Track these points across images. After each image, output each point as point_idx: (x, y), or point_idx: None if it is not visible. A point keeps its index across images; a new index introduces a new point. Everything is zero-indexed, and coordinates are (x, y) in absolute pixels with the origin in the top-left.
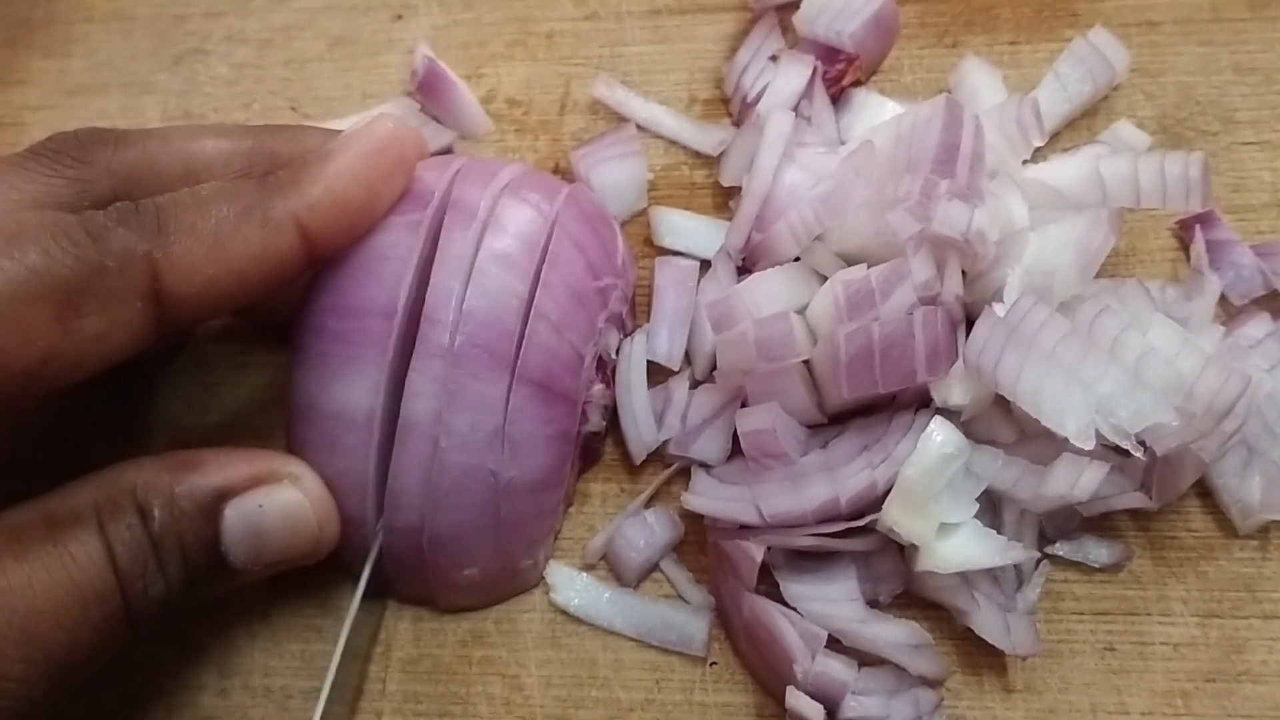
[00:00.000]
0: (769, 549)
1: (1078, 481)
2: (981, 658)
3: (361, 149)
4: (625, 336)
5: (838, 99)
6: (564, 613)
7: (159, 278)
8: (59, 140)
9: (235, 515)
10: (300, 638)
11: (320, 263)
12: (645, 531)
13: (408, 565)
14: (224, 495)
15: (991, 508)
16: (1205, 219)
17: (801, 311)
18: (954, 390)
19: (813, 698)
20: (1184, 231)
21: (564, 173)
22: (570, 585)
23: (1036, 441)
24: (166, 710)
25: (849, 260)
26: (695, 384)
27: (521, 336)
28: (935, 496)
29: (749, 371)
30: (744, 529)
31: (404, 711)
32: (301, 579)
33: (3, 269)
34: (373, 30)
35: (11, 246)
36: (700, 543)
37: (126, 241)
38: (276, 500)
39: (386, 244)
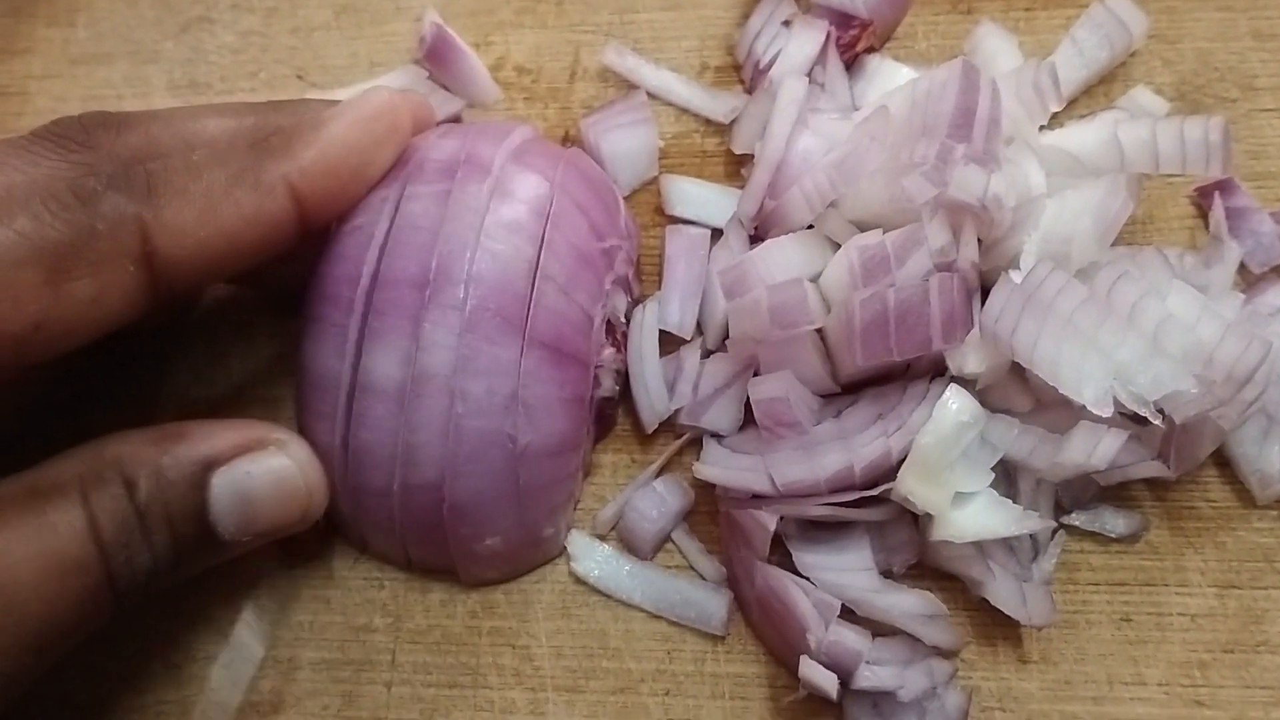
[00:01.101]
0: (781, 519)
1: (1095, 450)
2: (996, 628)
3: (356, 116)
4: (632, 301)
5: (852, 65)
6: (581, 583)
7: (150, 240)
8: (63, 124)
9: (223, 484)
10: (308, 609)
11: (313, 228)
12: (657, 502)
13: (430, 538)
14: (210, 464)
15: (1007, 477)
16: (1224, 186)
17: (815, 279)
18: (969, 358)
19: (826, 668)
20: (1202, 199)
21: (574, 140)
22: (591, 555)
23: (1053, 410)
24: (175, 682)
25: (863, 227)
26: (707, 353)
27: (530, 300)
28: (950, 465)
29: (761, 339)
30: (756, 498)
31: (413, 682)
32: (308, 549)
33: None
34: None
35: (0, 211)
36: (711, 513)
37: (116, 204)
38: (264, 467)
39: (417, 213)
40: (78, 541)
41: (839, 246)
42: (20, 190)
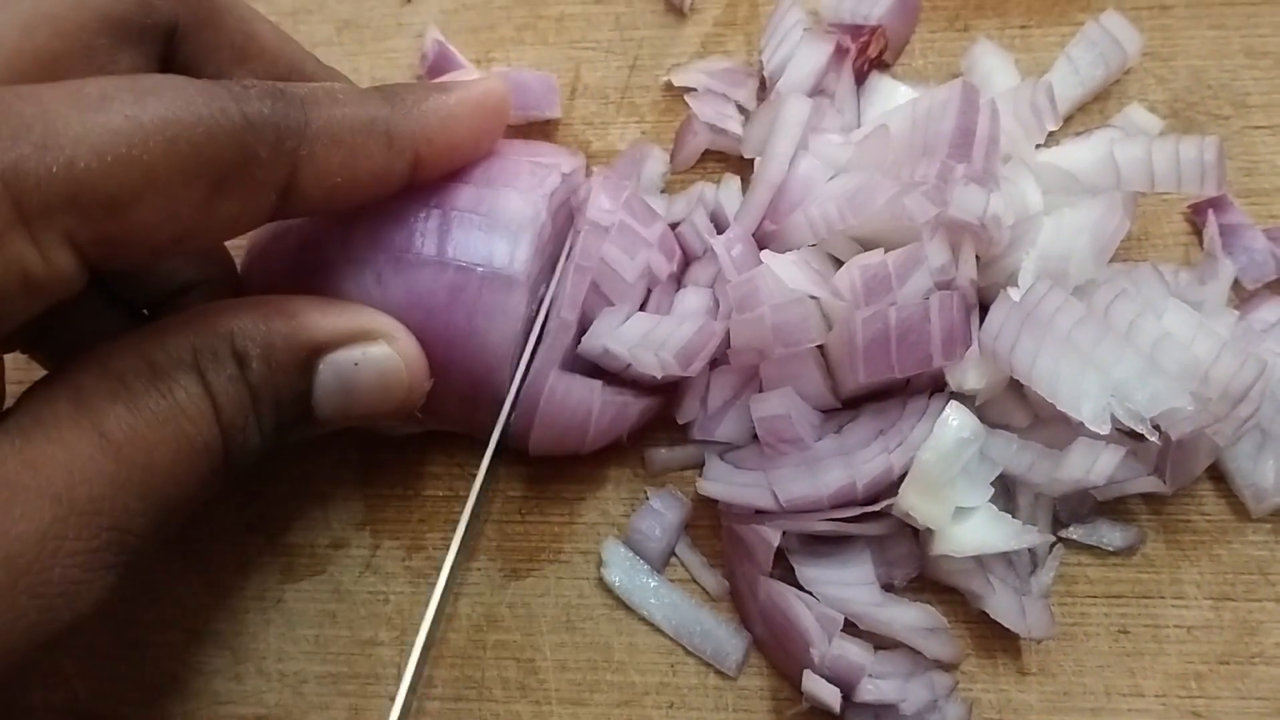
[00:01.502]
0: (784, 533)
1: (1094, 466)
2: (996, 641)
3: (478, 95)
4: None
5: (867, 74)
6: (585, 596)
7: (296, 173)
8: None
9: (329, 371)
10: (314, 623)
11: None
12: (657, 519)
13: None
14: (319, 349)
15: (1006, 492)
16: (1218, 203)
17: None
18: (969, 375)
19: (829, 681)
20: (1196, 216)
21: None
22: (619, 566)
23: (1051, 426)
24: (181, 695)
25: (864, 244)
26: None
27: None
28: (951, 481)
29: (764, 352)
30: (759, 514)
31: (418, 696)
32: (314, 564)
33: (168, 138)
34: (382, 14)
35: (169, 111)
36: (714, 527)
37: (280, 132)
38: (372, 358)
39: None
40: (205, 423)
41: (841, 263)
42: (188, 92)
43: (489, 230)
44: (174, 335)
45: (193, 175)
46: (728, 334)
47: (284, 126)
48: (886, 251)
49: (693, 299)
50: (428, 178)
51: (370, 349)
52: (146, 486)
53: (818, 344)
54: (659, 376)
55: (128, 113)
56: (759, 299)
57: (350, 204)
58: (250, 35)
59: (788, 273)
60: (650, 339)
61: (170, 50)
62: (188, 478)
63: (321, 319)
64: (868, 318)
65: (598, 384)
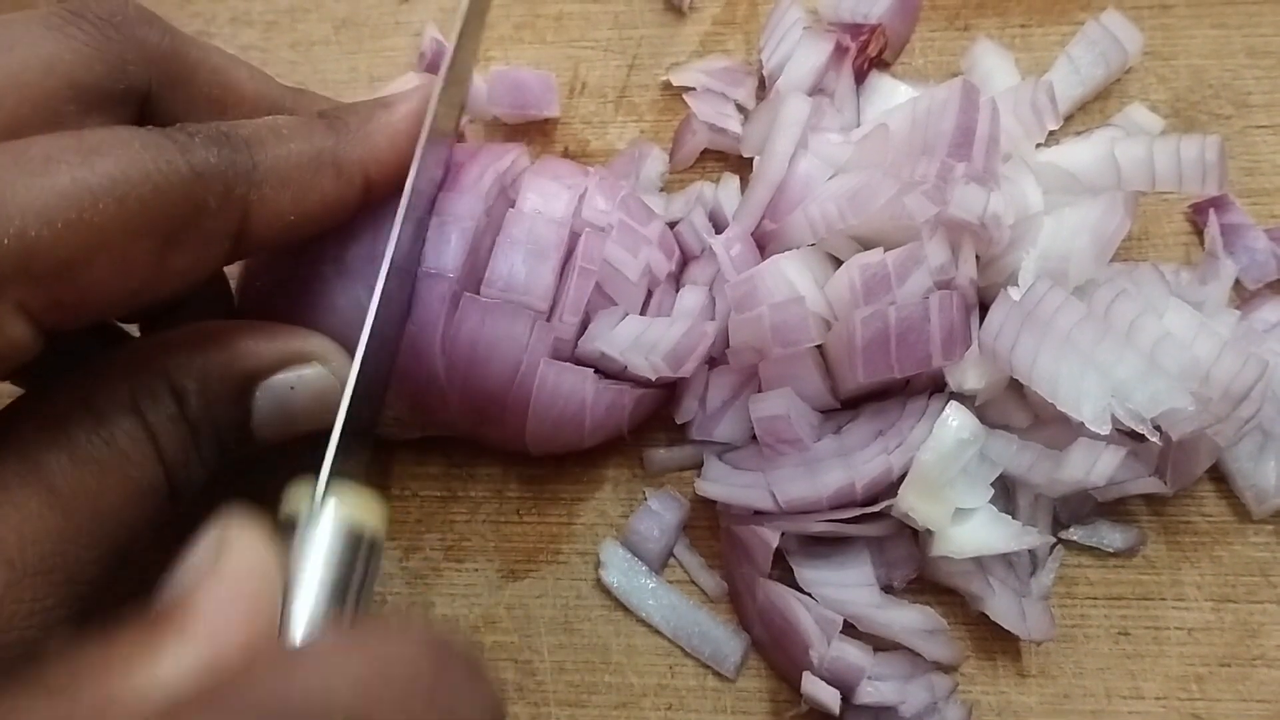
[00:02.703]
0: (783, 534)
1: (1094, 466)
2: (996, 643)
3: (421, 107)
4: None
5: (867, 73)
6: (583, 597)
7: (248, 218)
8: (100, 3)
9: (266, 396)
10: None
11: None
12: (655, 520)
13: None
14: (255, 376)
15: (1005, 492)
16: (1219, 203)
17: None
18: (969, 375)
19: (828, 683)
20: (1197, 215)
21: (573, 156)
22: (617, 567)
23: (1051, 426)
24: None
25: (863, 243)
26: (710, 362)
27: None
28: (950, 481)
29: (762, 352)
30: (758, 514)
31: None
32: None
33: (117, 198)
34: (380, 12)
35: (116, 169)
36: (712, 528)
37: (227, 180)
38: (307, 380)
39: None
40: (149, 466)
41: (840, 262)
42: (131, 145)
43: (435, 234)
44: (111, 378)
45: (143, 233)
46: (725, 334)
47: (231, 174)
48: (886, 251)
49: (692, 299)
50: (382, 195)
51: (304, 371)
52: (95, 535)
53: (817, 344)
54: (653, 379)
55: (75, 175)
56: (757, 299)
57: (306, 235)
58: (227, 85)
59: (794, 272)
60: (641, 342)
61: (145, 111)
62: (135, 519)
63: (255, 346)
64: (867, 317)
65: (589, 372)
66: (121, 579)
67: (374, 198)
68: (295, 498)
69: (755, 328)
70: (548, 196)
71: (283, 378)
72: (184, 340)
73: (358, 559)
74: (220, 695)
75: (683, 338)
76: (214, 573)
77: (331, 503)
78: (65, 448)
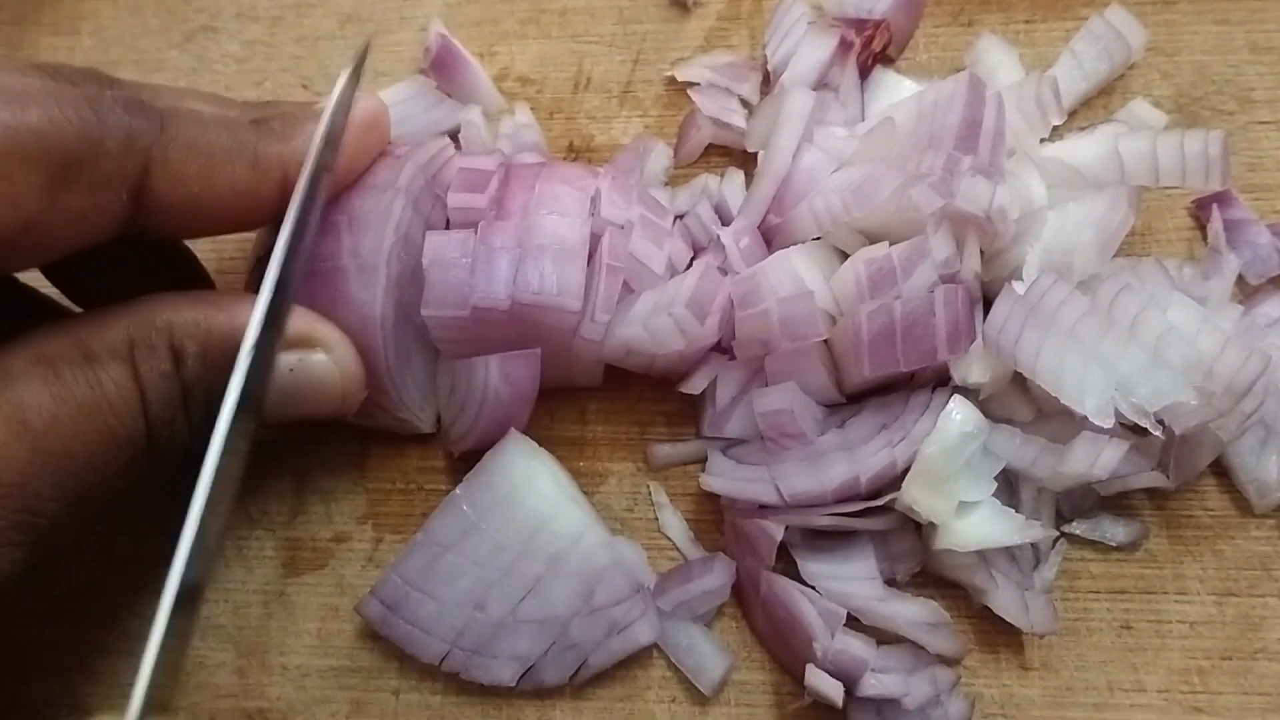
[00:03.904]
0: (787, 528)
1: (1097, 460)
2: (999, 636)
3: (353, 119)
4: None
5: (871, 68)
6: None
7: (149, 175)
8: (61, 65)
9: None
10: (316, 617)
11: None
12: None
13: None
14: None
15: (1009, 486)
16: (1222, 198)
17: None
18: (973, 368)
19: (832, 676)
20: (1200, 211)
21: (578, 152)
22: None
23: (1054, 420)
24: (184, 689)
25: (868, 236)
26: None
27: None
28: (954, 475)
29: (769, 345)
30: (762, 508)
31: (420, 690)
32: (316, 558)
33: (9, 126)
34: (385, 8)
35: (15, 105)
36: (716, 521)
37: (130, 128)
38: (307, 365)
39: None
40: (130, 418)
41: (846, 255)
42: (37, 89)
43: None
44: (112, 324)
45: (32, 162)
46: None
47: (136, 128)
48: (891, 245)
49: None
50: None
51: (308, 356)
52: (62, 474)
53: (823, 338)
54: (682, 345)
55: None
56: (760, 295)
57: (215, 220)
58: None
59: (801, 266)
60: (660, 304)
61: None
62: (107, 467)
63: None
64: (873, 311)
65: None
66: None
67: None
68: None
69: (763, 322)
70: (562, 201)
71: (285, 357)
72: (192, 300)
73: None
74: None
75: (700, 281)
76: None
77: None
78: (51, 384)
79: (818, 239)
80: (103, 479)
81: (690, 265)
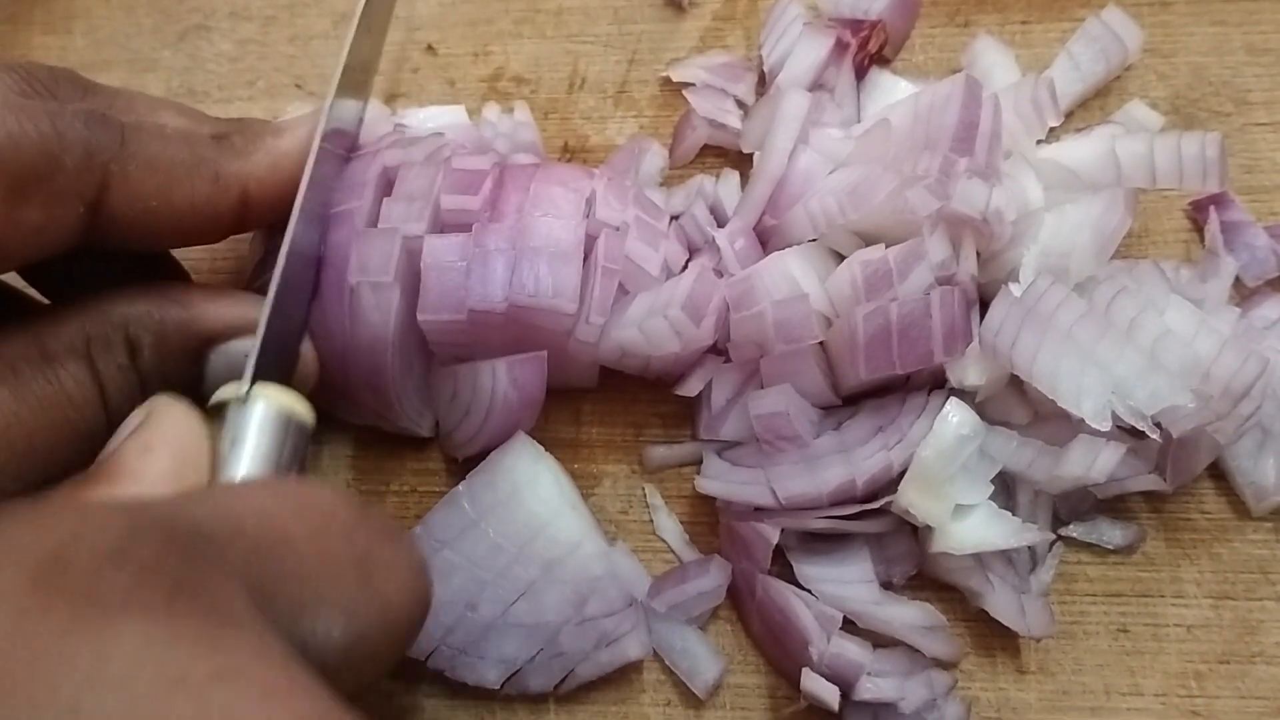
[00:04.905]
0: (782, 531)
1: (1094, 463)
2: (995, 639)
3: (303, 137)
4: None
5: (867, 69)
6: None
7: (107, 191)
8: (32, 65)
9: (219, 360)
10: None
11: (238, 232)
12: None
13: None
14: (211, 339)
15: (1005, 489)
16: (1219, 200)
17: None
18: (969, 371)
19: (828, 680)
20: (1197, 213)
21: (573, 152)
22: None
23: (1051, 423)
24: None
25: (864, 238)
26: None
27: None
28: (950, 478)
29: (764, 348)
30: (758, 511)
31: (415, 693)
32: None
33: None
34: None
35: None
36: (711, 524)
37: (90, 144)
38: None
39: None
40: (90, 411)
41: (842, 257)
42: None
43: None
44: (67, 322)
45: None
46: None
47: (95, 143)
48: (887, 247)
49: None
50: (264, 217)
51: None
52: (24, 468)
53: (819, 341)
54: (678, 348)
55: None
56: (756, 297)
57: (174, 234)
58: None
59: (796, 269)
60: (655, 306)
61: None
62: (71, 460)
63: (215, 309)
64: (869, 314)
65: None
66: None
67: (258, 218)
68: (225, 390)
69: (758, 324)
70: (557, 203)
71: (239, 344)
72: (146, 294)
73: (287, 437)
74: (133, 507)
75: (695, 283)
76: (138, 430)
77: (260, 389)
78: (9, 383)
79: (813, 241)
80: (65, 470)
81: (686, 267)
